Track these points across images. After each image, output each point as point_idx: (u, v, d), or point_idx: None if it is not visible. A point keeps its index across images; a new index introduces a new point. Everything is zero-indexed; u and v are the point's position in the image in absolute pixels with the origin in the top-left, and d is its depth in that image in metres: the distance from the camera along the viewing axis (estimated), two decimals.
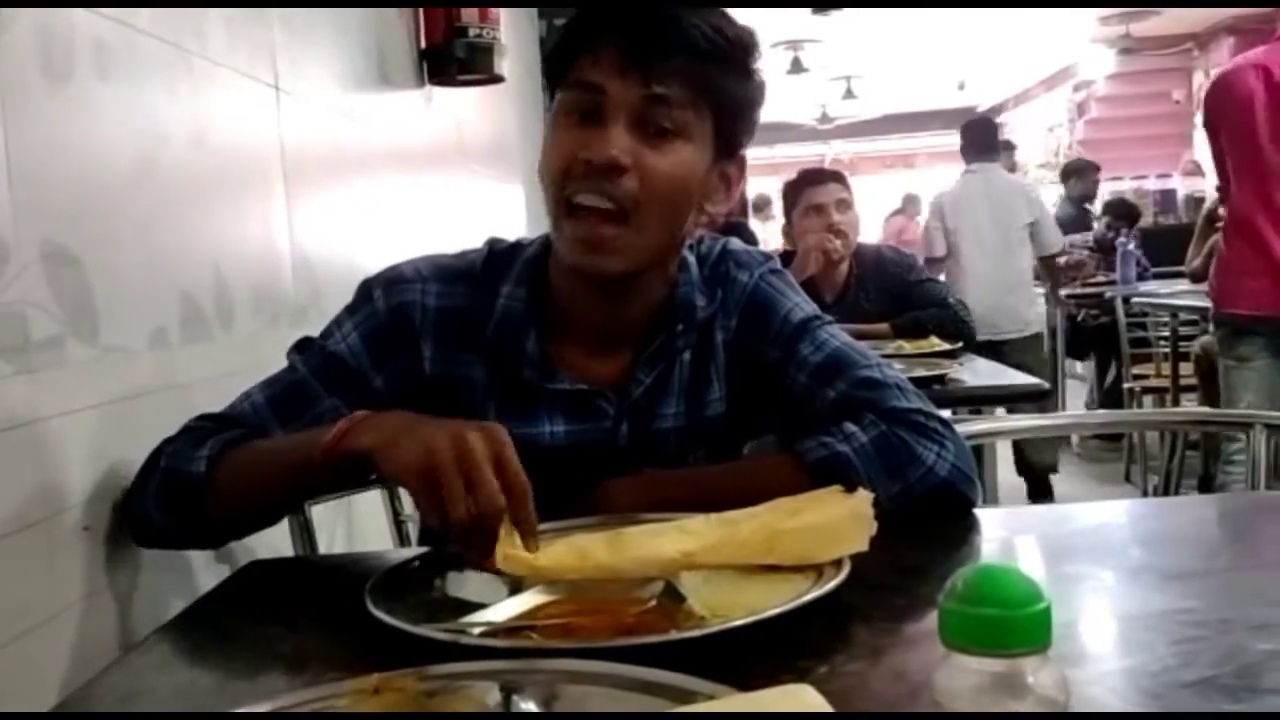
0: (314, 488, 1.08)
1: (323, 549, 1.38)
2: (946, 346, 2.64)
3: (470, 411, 1.10)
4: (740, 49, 1.05)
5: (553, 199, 1.05)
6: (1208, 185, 8.20)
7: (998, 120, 12.56)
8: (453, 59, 2.41)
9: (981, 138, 4.60)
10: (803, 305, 1.17)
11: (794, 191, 3.07)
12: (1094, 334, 5.66)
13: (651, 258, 1.08)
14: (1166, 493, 2.69)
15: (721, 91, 1.04)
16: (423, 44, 2.43)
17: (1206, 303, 4.36)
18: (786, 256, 3.11)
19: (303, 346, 1.14)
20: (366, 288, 1.14)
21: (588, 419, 1.12)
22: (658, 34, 1.01)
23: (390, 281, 1.13)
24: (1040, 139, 11.14)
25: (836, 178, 3.09)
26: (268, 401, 1.10)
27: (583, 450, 1.10)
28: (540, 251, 1.14)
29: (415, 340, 1.11)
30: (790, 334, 1.14)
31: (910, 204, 10.71)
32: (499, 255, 1.16)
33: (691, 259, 1.16)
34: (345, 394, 1.09)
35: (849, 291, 2.98)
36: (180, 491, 1.02)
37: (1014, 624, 0.45)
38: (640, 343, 1.13)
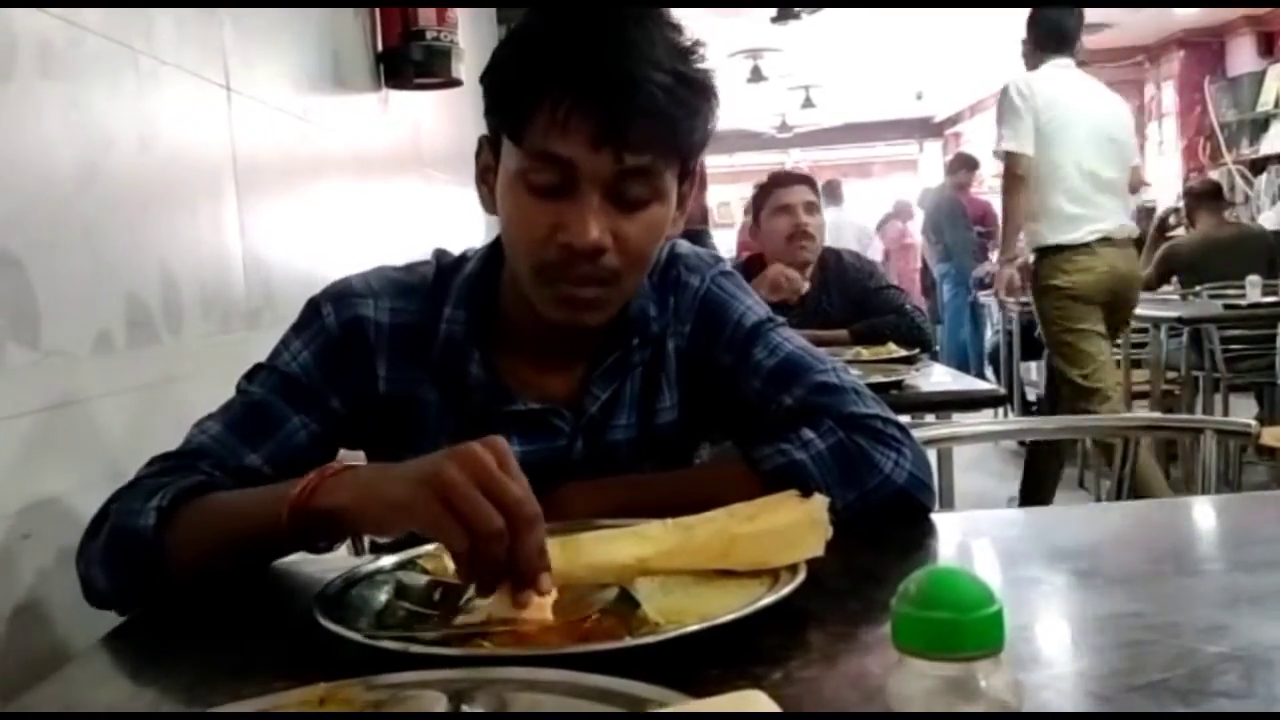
0: (279, 551, 0.94)
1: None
2: (904, 353, 2.66)
3: (424, 432, 1.06)
4: (702, 88, 1.00)
5: (526, 264, 1.01)
6: (1159, 196, 8.36)
7: (955, 130, 12.74)
8: (409, 62, 2.39)
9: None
10: (755, 308, 1.16)
11: (763, 193, 3.09)
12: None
13: (628, 300, 1.08)
14: (1119, 499, 2.72)
15: (687, 141, 1.00)
16: (379, 46, 2.41)
17: (1158, 311, 4.48)
18: (754, 259, 3.12)
19: (252, 375, 1.07)
20: (314, 304, 1.09)
21: (542, 437, 1.08)
22: (626, 102, 0.94)
23: (339, 296, 1.08)
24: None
25: (806, 181, 3.12)
26: (227, 428, 1.02)
27: (537, 468, 1.07)
28: (483, 268, 1.10)
29: (370, 357, 1.07)
30: (743, 338, 1.13)
31: (903, 209, 10.34)
32: (445, 270, 1.12)
33: None
34: (310, 411, 1.04)
35: (811, 295, 2.99)
36: (127, 551, 0.91)
37: (966, 627, 0.45)
38: (593, 357, 1.10)
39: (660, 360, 1.13)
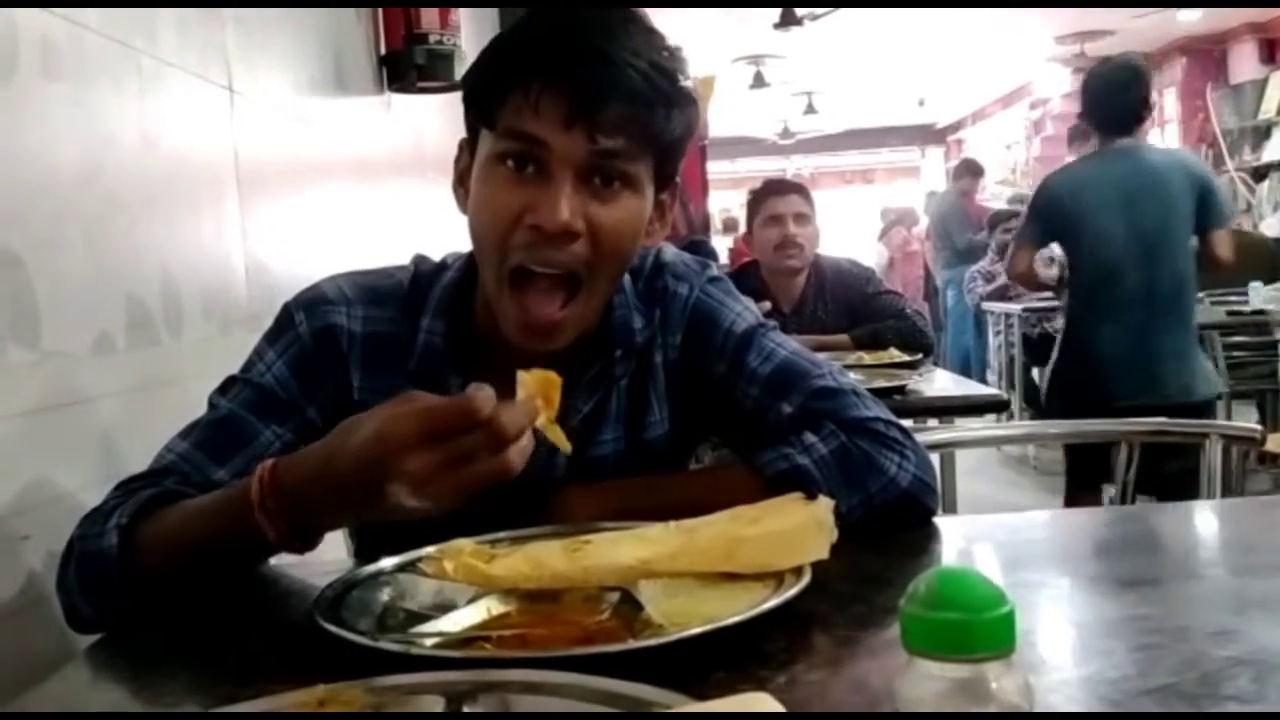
0: (252, 546, 0.88)
1: (274, 559, 1.35)
2: (906, 358, 2.66)
3: None
4: (679, 84, 0.98)
5: (493, 262, 0.98)
6: None
7: (957, 137, 12.75)
8: (412, 65, 2.39)
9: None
10: (745, 314, 1.13)
11: (756, 201, 3.11)
12: (1043, 345, 5.75)
13: (598, 315, 1.05)
14: (1123, 504, 2.71)
15: (666, 134, 0.98)
16: (381, 49, 2.41)
17: None
18: (749, 265, 3.13)
19: (226, 387, 1.04)
20: (287, 311, 1.06)
21: None
22: (600, 82, 0.93)
23: (312, 303, 1.05)
24: (998, 155, 11.29)
25: (799, 190, 3.12)
26: (195, 446, 0.99)
27: (518, 482, 1.05)
28: (461, 277, 1.07)
29: (344, 366, 1.04)
30: (735, 346, 1.10)
31: (906, 216, 10.18)
32: (424, 278, 1.08)
33: (624, 276, 1.09)
34: (285, 422, 1.02)
35: (806, 303, 3.00)
36: (98, 574, 0.90)
37: (977, 628, 0.44)
38: (574, 370, 1.05)
39: (648, 374, 1.11)
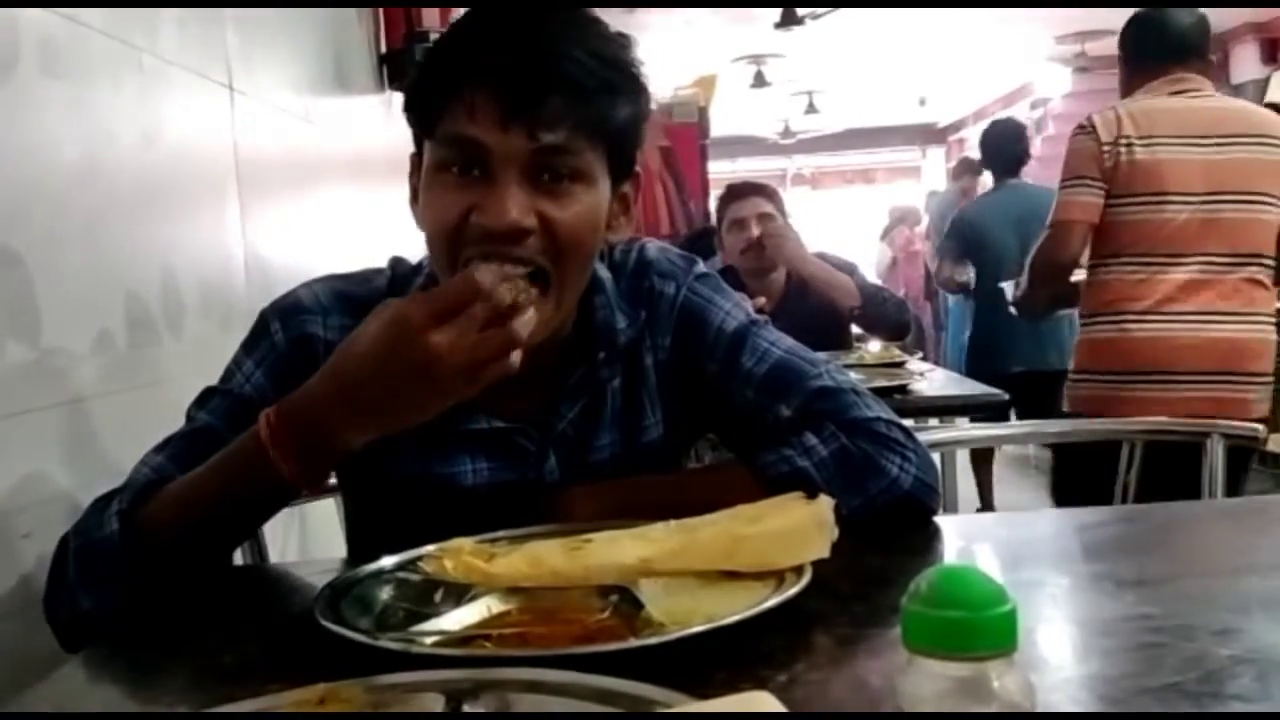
0: (263, 493, 0.93)
1: (274, 558, 1.35)
2: (905, 357, 2.66)
3: (387, 449, 0.98)
4: (624, 70, 0.96)
5: (444, 267, 0.96)
6: None
7: (958, 136, 12.74)
8: (412, 64, 2.39)
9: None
10: (735, 311, 1.11)
11: (721, 207, 3.12)
12: None
13: (569, 316, 1.02)
14: (1123, 503, 2.71)
15: (612, 122, 0.95)
16: (382, 48, 2.41)
17: None
18: (726, 271, 3.12)
19: (204, 399, 1.03)
20: (264, 319, 1.05)
21: (510, 456, 1.05)
22: (535, 76, 0.91)
23: (288, 311, 1.04)
24: None
25: (760, 191, 3.09)
26: (170, 459, 0.98)
27: (509, 488, 1.04)
28: (432, 283, 1.04)
29: None
30: (728, 345, 1.09)
31: (909, 215, 10.10)
32: (399, 281, 1.07)
33: (606, 274, 1.08)
34: None
35: (788, 299, 3.00)
36: (101, 561, 0.90)
37: (979, 626, 0.44)
38: (558, 373, 1.05)
39: (639, 376, 1.10)
